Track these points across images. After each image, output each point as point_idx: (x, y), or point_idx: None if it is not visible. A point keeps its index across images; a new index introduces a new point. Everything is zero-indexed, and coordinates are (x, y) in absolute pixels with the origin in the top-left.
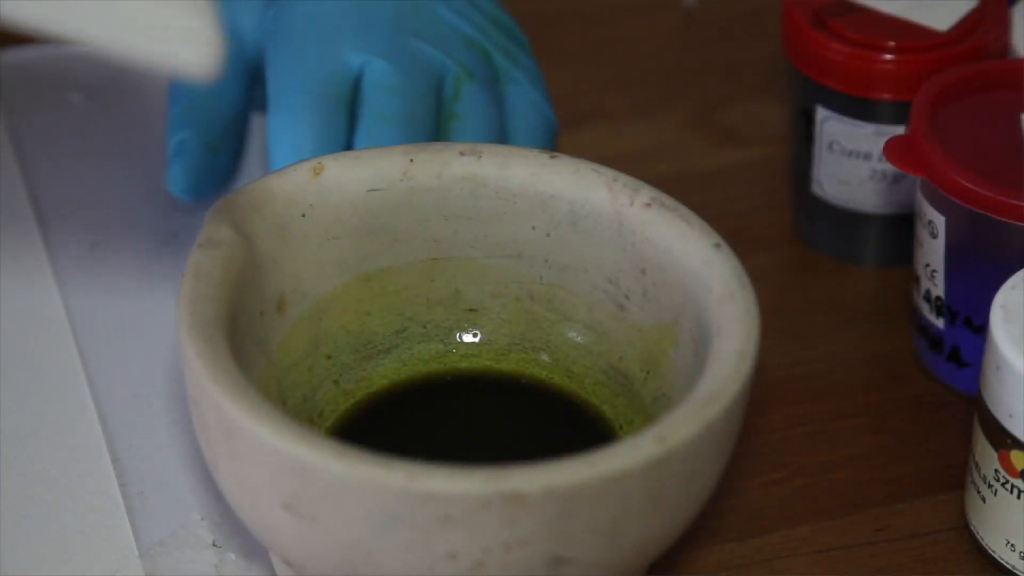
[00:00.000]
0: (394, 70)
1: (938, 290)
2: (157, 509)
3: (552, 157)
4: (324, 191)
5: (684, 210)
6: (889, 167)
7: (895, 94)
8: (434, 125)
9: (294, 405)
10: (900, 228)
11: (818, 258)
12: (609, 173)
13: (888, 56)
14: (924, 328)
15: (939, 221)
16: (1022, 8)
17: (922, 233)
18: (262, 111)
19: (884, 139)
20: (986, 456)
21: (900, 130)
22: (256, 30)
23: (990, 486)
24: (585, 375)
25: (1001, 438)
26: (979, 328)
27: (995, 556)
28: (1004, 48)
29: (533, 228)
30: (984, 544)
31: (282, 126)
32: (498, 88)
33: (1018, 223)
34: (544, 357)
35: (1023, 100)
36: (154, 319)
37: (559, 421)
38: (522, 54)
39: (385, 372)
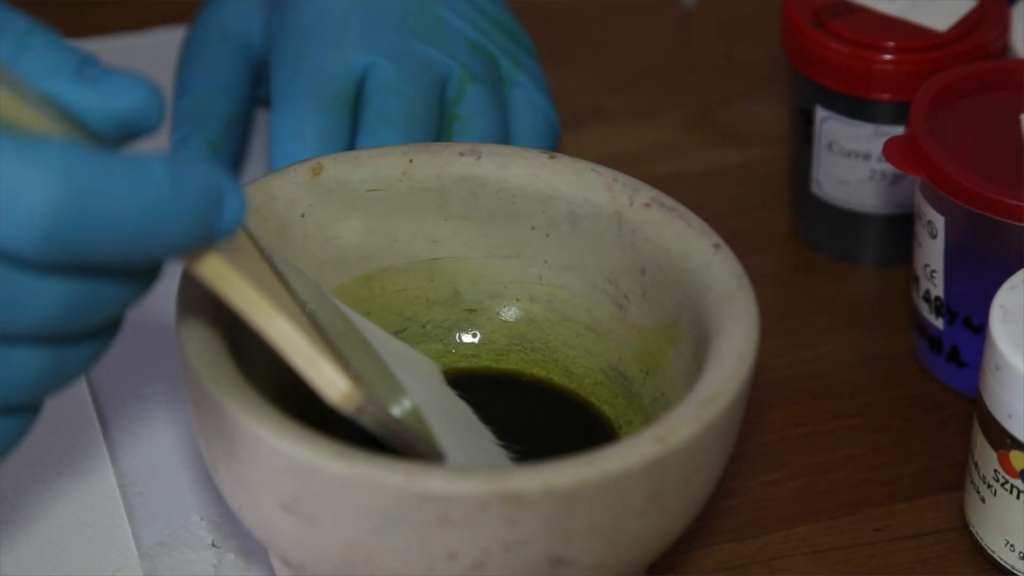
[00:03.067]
0: (398, 72)
1: (938, 290)
2: (157, 509)
3: (551, 157)
4: (324, 191)
5: (684, 210)
6: (888, 167)
7: (895, 94)
8: (436, 127)
9: (293, 406)
10: (899, 228)
11: (818, 258)
12: (609, 173)
13: (888, 56)
14: (924, 328)
15: (938, 221)
16: (1022, 8)
17: (921, 233)
18: (265, 107)
19: (883, 139)
20: (985, 456)
21: (900, 130)
22: (261, 28)
23: (989, 486)
24: (585, 375)
25: (1001, 438)
26: (979, 328)
27: (994, 556)
28: (1004, 48)
29: (532, 228)
30: (983, 544)
31: (285, 125)
32: (502, 91)
33: (1018, 223)
34: (543, 357)
35: (1023, 100)
36: (154, 319)
37: (559, 421)
38: (527, 58)
39: None
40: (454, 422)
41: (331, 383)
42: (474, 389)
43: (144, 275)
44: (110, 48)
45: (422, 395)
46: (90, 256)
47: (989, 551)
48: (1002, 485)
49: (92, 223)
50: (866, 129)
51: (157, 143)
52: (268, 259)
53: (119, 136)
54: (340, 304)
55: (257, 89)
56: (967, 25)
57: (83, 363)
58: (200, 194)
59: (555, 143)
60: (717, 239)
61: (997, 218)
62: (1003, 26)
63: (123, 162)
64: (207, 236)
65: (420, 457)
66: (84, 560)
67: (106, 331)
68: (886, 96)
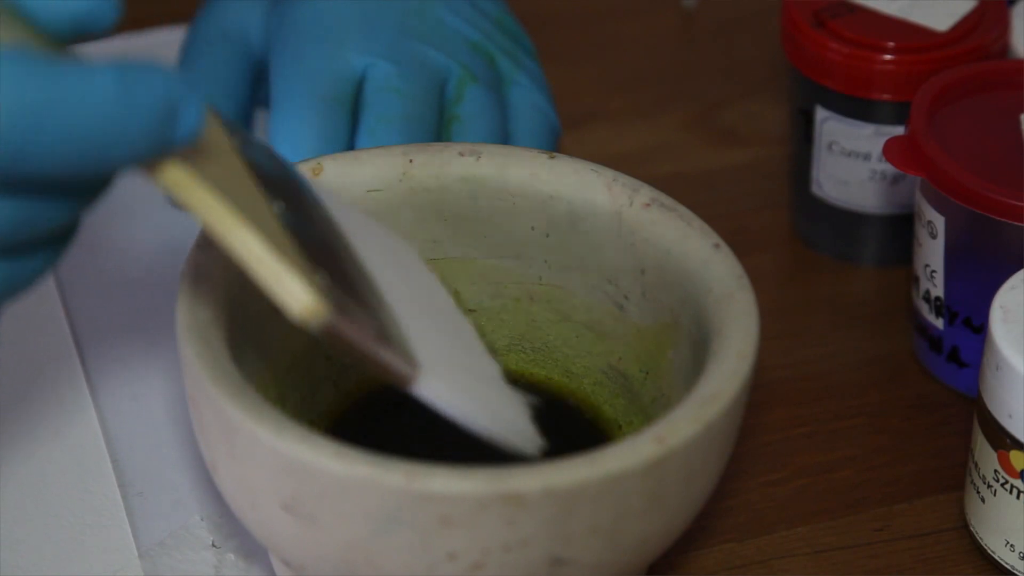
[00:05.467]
0: (397, 72)
1: (938, 290)
2: (157, 510)
3: (551, 157)
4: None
5: (683, 210)
6: (889, 167)
7: (895, 94)
8: (436, 127)
9: (293, 406)
10: (900, 228)
11: (818, 258)
12: (608, 173)
13: (888, 56)
14: (924, 328)
15: (939, 221)
16: (1022, 8)
17: (922, 233)
18: (265, 108)
19: (884, 139)
20: (986, 456)
21: (900, 130)
22: (261, 29)
23: (989, 486)
24: (585, 375)
25: (1001, 438)
26: (979, 328)
27: (994, 556)
28: (1004, 48)
29: (532, 228)
30: (983, 544)
31: (284, 126)
32: (502, 91)
33: (1018, 223)
34: (543, 357)
35: (1023, 100)
36: (154, 319)
37: (559, 421)
38: (527, 58)
39: None
40: (442, 335)
41: (295, 298)
42: None
43: (96, 184)
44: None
45: (407, 301)
46: (38, 170)
47: (989, 551)
48: (1002, 485)
49: (40, 136)
50: (866, 129)
51: None
52: (245, 153)
53: (72, 34)
54: (325, 201)
55: (257, 90)
56: (967, 25)
57: (36, 273)
58: (154, 105)
59: (555, 144)
60: (717, 239)
61: (997, 218)
62: (1003, 26)
63: (73, 74)
64: (161, 147)
65: (394, 375)
66: (84, 560)
67: (60, 240)
68: (886, 96)
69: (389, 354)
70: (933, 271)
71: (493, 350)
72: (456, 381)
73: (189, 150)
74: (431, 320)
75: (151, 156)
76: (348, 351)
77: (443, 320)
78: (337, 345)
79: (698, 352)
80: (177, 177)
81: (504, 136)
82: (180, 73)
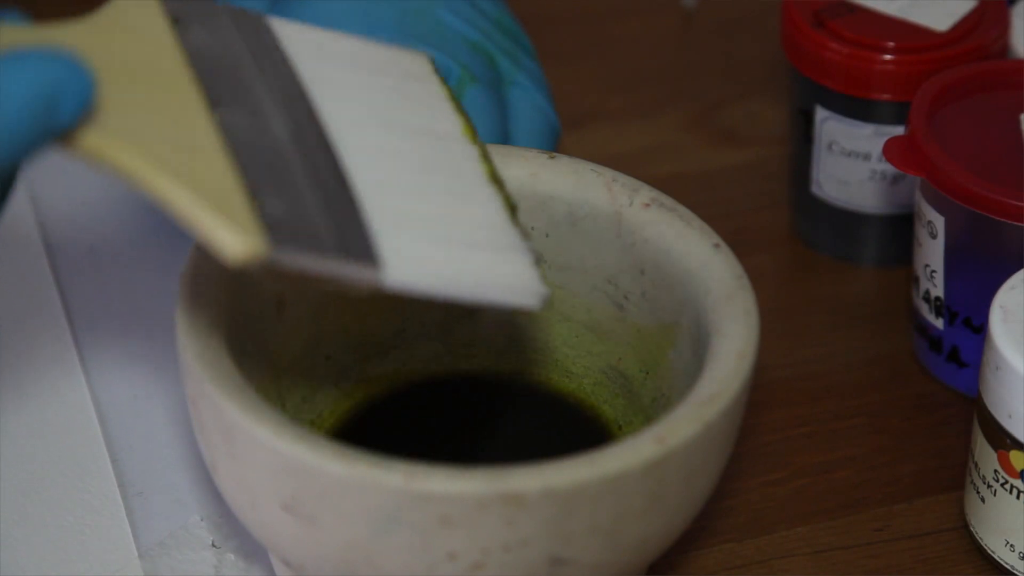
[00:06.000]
0: None
1: (938, 290)
2: (157, 510)
3: (551, 157)
4: None
5: (683, 210)
6: (889, 167)
7: (895, 94)
8: None
9: (293, 406)
10: (900, 228)
11: (818, 258)
12: (608, 173)
13: (888, 56)
14: (924, 328)
15: (938, 221)
16: (1022, 8)
17: (921, 233)
18: None
19: (883, 139)
20: (985, 456)
21: (900, 130)
22: None
23: (989, 486)
24: (585, 375)
25: (1000, 438)
26: (979, 328)
27: (994, 556)
28: (1004, 48)
29: (532, 228)
30: (983, 544)
31: None
32: (502, 91)
33: (1018, 223)
34: (543, 357)
35: (1023, 100)
36: (154, 320)
37: (559, 421)
38: (527, 58)
39: (385, 373)
40: (425, 189)
41: (228, 244)
42: (474, 390)
43: None
44: None
45: (389, 156)
46: None
47: (989, 551)
48: (1002, 485)
49: None
50: (866, 129)
51: None
52: (191, 43)
53: None
54: (300, 56)
55: None
56: (967, 25)
57: None
58: (23, 100)
59: (555, 144)
60: (717, 239)
61: (997, 218)
62: (1003, 26)
63: None
64: (48, 135)
65: (355, 285)
66: (84, 560)
67: None
68: (886, 96)
69: (343, 267)
70: (933, 271)
71: (499, 179)
72: (431, 257)
73: (96, 107)
74: (416, 171)
75: (41, 146)
76: (299, 277)
77: (436, 161)
78: (295, 274)
79: (698, 352)
80: (90, 145)
81: (504, 136)
82: (59, 51)
